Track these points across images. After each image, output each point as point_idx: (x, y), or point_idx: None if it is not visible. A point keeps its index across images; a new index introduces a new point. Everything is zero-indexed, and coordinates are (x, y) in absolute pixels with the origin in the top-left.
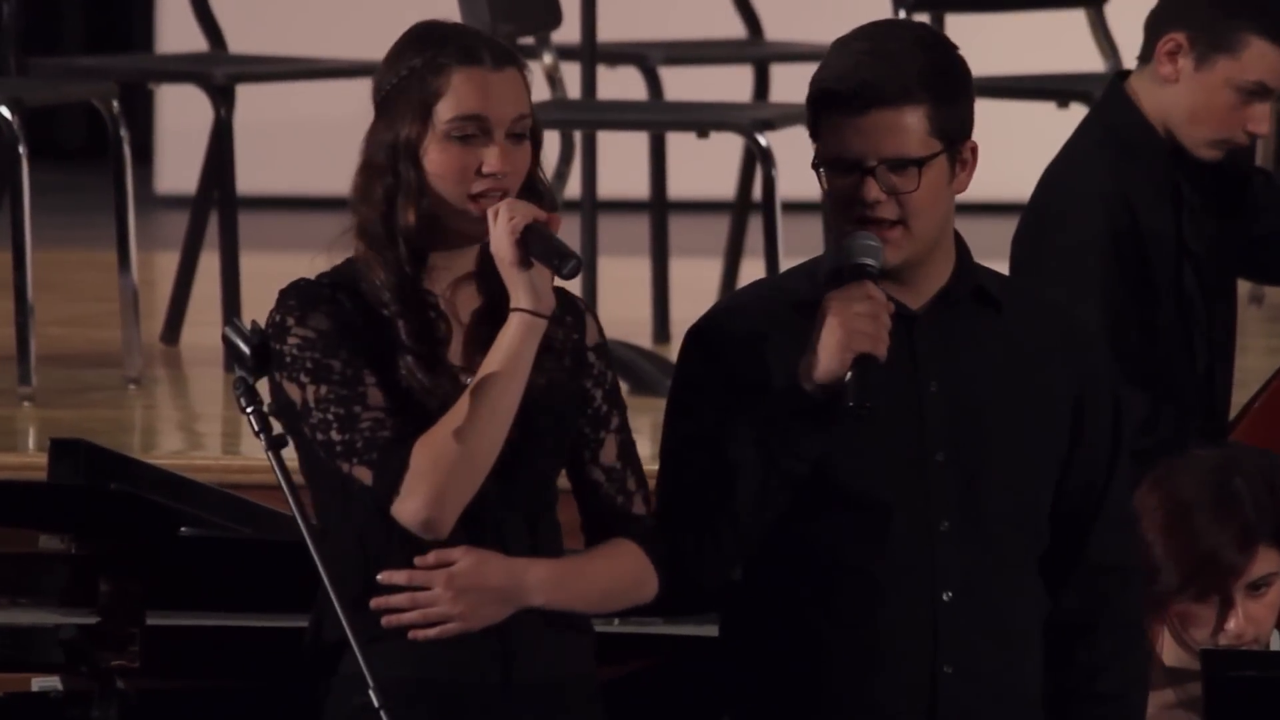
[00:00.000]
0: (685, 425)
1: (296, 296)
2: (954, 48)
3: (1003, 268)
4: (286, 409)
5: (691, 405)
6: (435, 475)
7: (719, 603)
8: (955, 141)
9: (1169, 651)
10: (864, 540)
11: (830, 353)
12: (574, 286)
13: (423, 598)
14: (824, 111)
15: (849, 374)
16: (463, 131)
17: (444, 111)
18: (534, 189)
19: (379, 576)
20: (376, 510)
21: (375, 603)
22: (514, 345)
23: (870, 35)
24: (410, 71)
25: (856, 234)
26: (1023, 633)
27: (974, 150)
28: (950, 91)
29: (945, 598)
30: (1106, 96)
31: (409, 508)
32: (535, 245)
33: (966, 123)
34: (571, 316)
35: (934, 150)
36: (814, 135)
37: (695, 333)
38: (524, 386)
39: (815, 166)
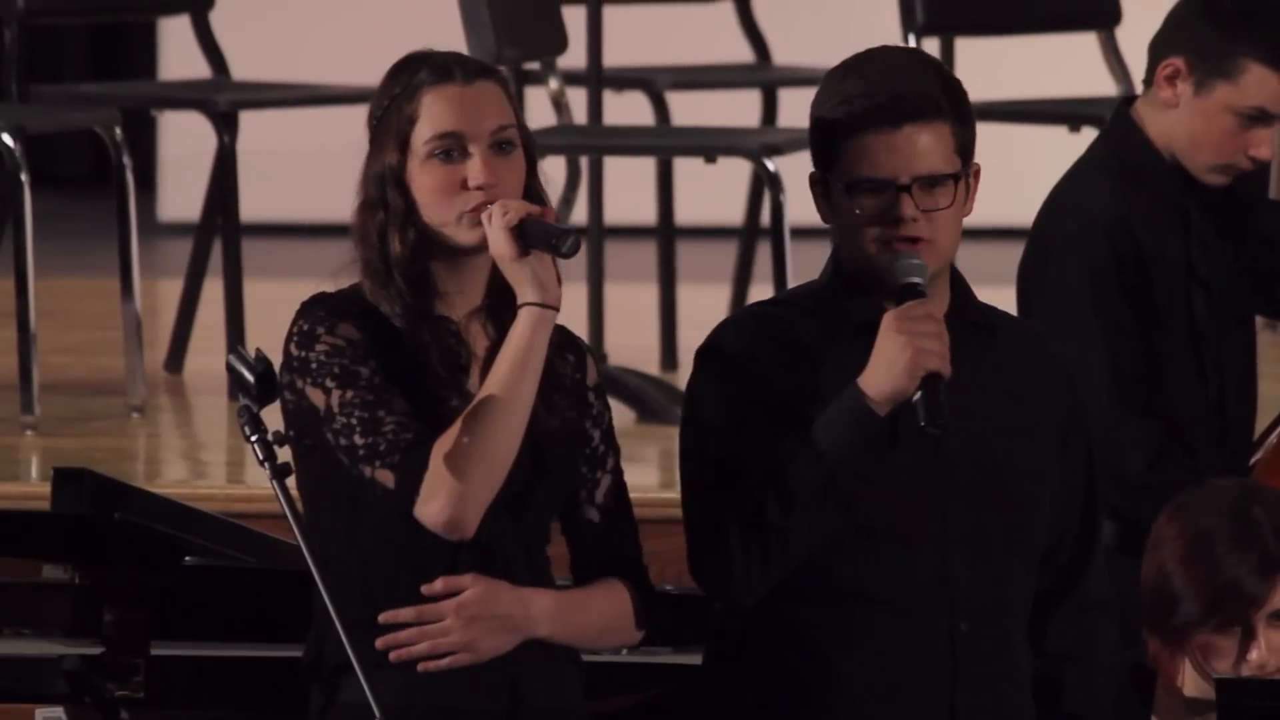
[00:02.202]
0: (722, 442)
1: (326, 307)
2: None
3: (1012, 293)
4: (306, 415)
5: (722, 421)
6: (455, 475)
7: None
8: (967, 162)
9: (1190, 682)
10: (882, 570)
11: (899, 371)
12: (581, 311)
13: (432, 629)
14: (851, 132)
15: (918, 394)
16: (442, 149)
17: (421, 134)
18: (533, 199)
19: (381, 617)
20: (400, 515)
21: (381, 642)
22: (525, 338)
23: (878, 59)
24: (390, 101)
25: (899, 254)
26: (1024, 667)
27: (978, 173)
28: (966, 110)
29: (963, 628)
30: (1113, 121)
31: (431, 509)
32: (532, 234)
33: (974, 144)
34: (574, 356)
35: (958, 168)
36: (827, 160)
37: (710, 350)
38: (538, 380)
39: (819, 187)
